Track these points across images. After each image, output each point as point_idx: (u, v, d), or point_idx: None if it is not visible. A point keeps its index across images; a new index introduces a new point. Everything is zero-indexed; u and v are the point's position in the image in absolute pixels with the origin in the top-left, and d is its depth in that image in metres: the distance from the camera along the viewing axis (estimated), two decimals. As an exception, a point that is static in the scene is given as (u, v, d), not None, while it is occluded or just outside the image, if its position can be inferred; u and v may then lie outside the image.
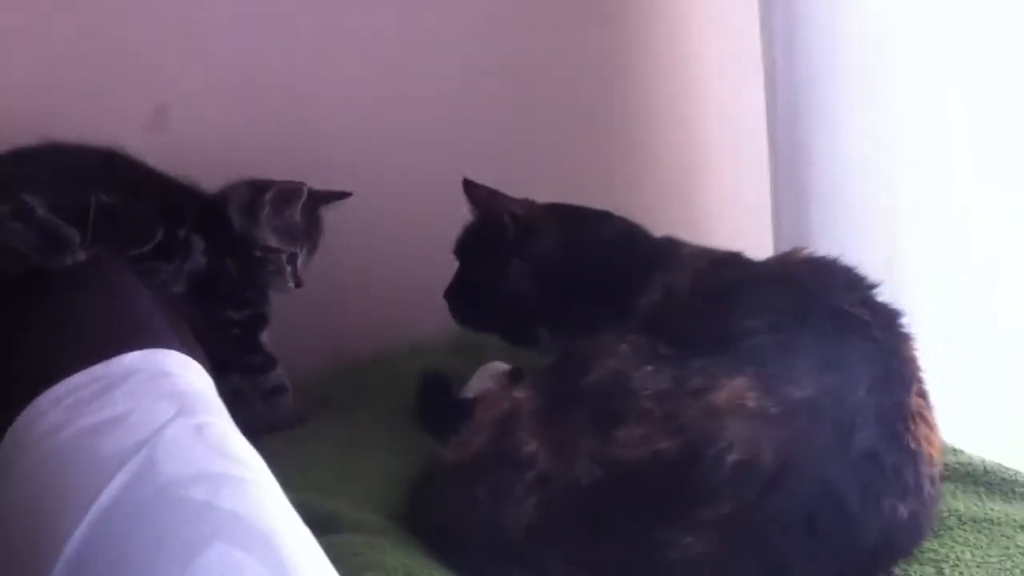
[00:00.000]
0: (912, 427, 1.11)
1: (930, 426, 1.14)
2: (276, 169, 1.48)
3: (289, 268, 1.43)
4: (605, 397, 1.13)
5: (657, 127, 1.91)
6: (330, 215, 1.47)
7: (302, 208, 1.42)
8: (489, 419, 1.18)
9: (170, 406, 0.90)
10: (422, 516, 1.20)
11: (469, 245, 1.46)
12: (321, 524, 1.15)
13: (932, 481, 1.12)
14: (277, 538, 0.76)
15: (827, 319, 1.17)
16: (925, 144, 1.53)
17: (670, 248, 1.38)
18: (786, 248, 1.59)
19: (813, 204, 1.58)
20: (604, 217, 1.45)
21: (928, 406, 1.16)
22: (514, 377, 1.39)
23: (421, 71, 1.68)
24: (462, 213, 1.45)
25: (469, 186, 1.44)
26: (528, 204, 1.45)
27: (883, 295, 1.23)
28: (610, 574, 1.05)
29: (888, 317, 1.21)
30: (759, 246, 1.57)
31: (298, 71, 1.61)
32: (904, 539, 1.10)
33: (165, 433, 0.85)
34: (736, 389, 1.07)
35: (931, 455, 1.13)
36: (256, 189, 1.41)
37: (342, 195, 1.48)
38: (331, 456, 1.37)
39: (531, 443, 1.11)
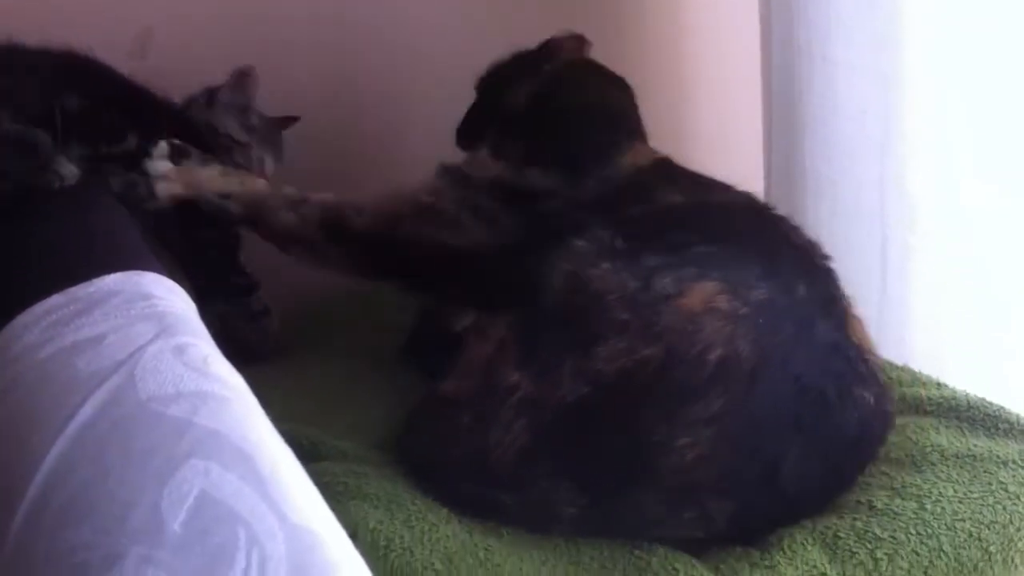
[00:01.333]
0: (849, 320, 1.18)
1: (859, 321, 1.20)
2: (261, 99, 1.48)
3: (256, 169, 1.45)
4: (575, 311, 1.13)
5: (649, 60, 1.88)
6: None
7: (260, 115, 1.47)
8: (476, 358, 1.18)
9: (151, 327, 0.89)
10: (409, 447, 1.20)
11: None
12: (303, 453, 1.12)
13: (880, 369, 1.19)
14: (257, 455, 0.75)
15: (755, 232, 1.24)
16: (921, 84, 1.51)
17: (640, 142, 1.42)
18: (780, 188, 1.61)
19: (807, 137, 1.57)
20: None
21: (849, 302, 1.21)
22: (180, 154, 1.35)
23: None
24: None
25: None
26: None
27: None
28: (608, 488, 1.06)
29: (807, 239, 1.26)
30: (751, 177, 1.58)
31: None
32: (878, 426, 1.15)
33: (145, 352, 0.84)
34: (707, 292, 1.09)
35: (870, 347, 1.19)
36: (213, 89, 1.45)
37: (292, 120, 1.54)
38: (315, 387, 1.37)
39: (513, 375, 1.11)
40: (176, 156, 1.32)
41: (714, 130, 1.94)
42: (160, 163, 1.31)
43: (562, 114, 1.45)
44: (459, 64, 1.56)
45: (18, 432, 0.79)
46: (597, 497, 1.06)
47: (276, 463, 0.76)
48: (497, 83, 1.51)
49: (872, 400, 1.12)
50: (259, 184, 1.38)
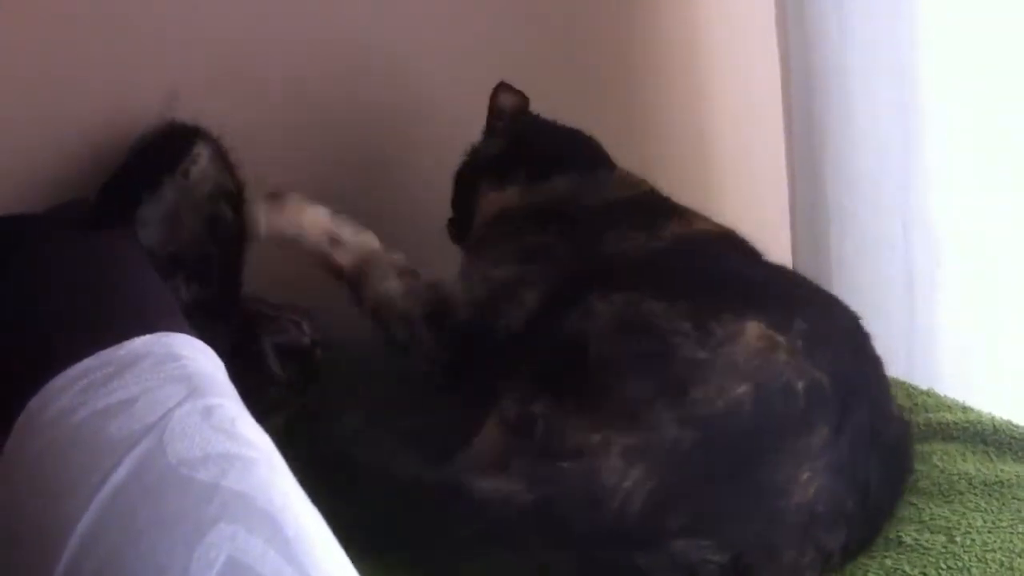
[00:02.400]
0: None
1: None
2: (283, 163, 1.51)
3: None
4: (636, 355, 1.09)
5: (669, 100, 1.90)
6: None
7: None
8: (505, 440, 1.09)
9: (180, 389, 0.91)
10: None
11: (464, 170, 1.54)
12: None
13: None
14: (283, 517, 0.76)
15: (746, 263, 1.27)
16: (939, 114, 1.51)
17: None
18: (804, 223, 1.61)
19: (828, 170, 1.57)
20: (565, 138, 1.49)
21: None
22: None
23: (428, 43, 1.68)
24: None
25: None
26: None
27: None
28: (743, 540, 1.00)
29: (775, 266, 1.31)
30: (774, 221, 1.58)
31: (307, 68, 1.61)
32: (909, 434, 1.18)
33: (174, 415, 0.86)
34: (756, 331, 1.08)
35: None
36: None
37: None
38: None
39: (592, 440, 1.03)
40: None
41: (739, 168, 1.94)
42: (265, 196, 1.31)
43: (544, 132, 1.50)
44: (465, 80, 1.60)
45: (53, 495, 0.82)
46: (735, 551, 0.99)
47: (301, 525, 0.77)
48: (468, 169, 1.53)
49: (897, 410, 1.17)
50: (372, 240, 1.35)
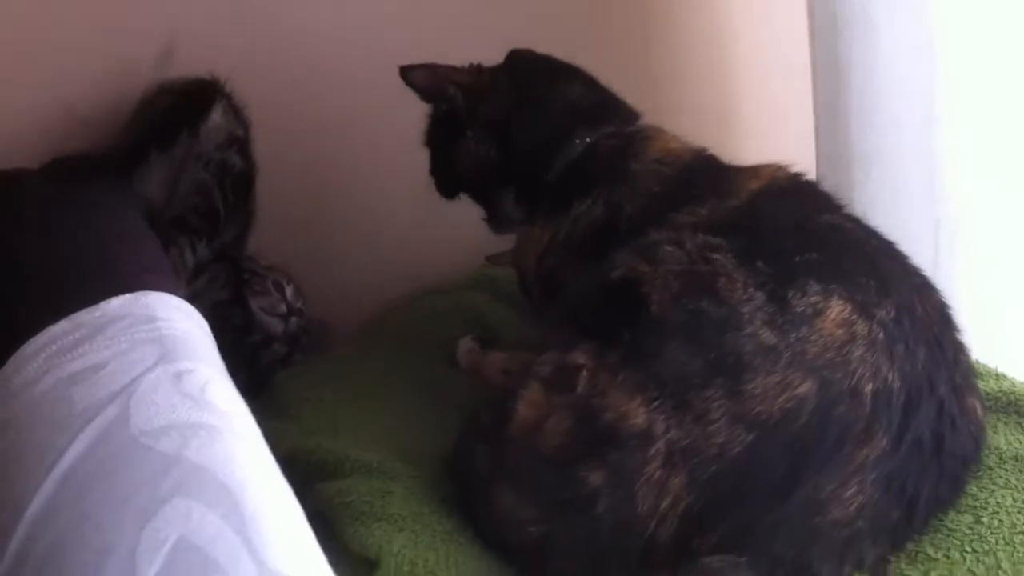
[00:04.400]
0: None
1: None
2: (282, 108, 1.46)
3: None
4: (701, 327, 0.96)
5: (690, 46, 1.82)
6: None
7: None
8: (547, 398, 1.01)
9: (152, 352, 0.86)
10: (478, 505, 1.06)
11: (431, 132, 1.37)
12: (328, 471, 1.14)
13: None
14: (245, 493, 0.72)
15: (829, 234, 1.09)
16: (966, 57, 1.43)
17: (639, 139, 1.26)
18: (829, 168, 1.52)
19: (852, 109, 1.49)
20: (562, 74, 1.33)
21: None
22: (484, 344, 1.38)
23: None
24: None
25: (405, 72, 1.32)
26: (474, 70, 1.34)
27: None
28: (781, 559, 0.92)
29: (862, 223, 1.14)
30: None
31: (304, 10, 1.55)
32: (982, 437, 1.06)
33: (143, 381, 0.82)
34: (840, 312, 0.96)
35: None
36: None
37: None
38: (352, 396, 1.34)
39: (636, 415, 0.94)
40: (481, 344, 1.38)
41: (764, 114, 1.86)
42: (465, 344, 1.39)
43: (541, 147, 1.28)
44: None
45: (9, 473, 0.77)
46: (769, 569, 0.92)
47: (261, 502, 0.72)
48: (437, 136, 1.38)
49: (980, 410, 1.04)
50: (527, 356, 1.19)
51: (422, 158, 1.39)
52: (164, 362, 0.85)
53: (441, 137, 1.36)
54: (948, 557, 0.98)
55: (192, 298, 1.35)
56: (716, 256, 1.01)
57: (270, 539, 0.69)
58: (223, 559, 0.66)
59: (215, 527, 0.68)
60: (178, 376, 0.83)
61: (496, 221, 1.35)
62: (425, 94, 1.35)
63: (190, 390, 0.82)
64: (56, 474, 0.73)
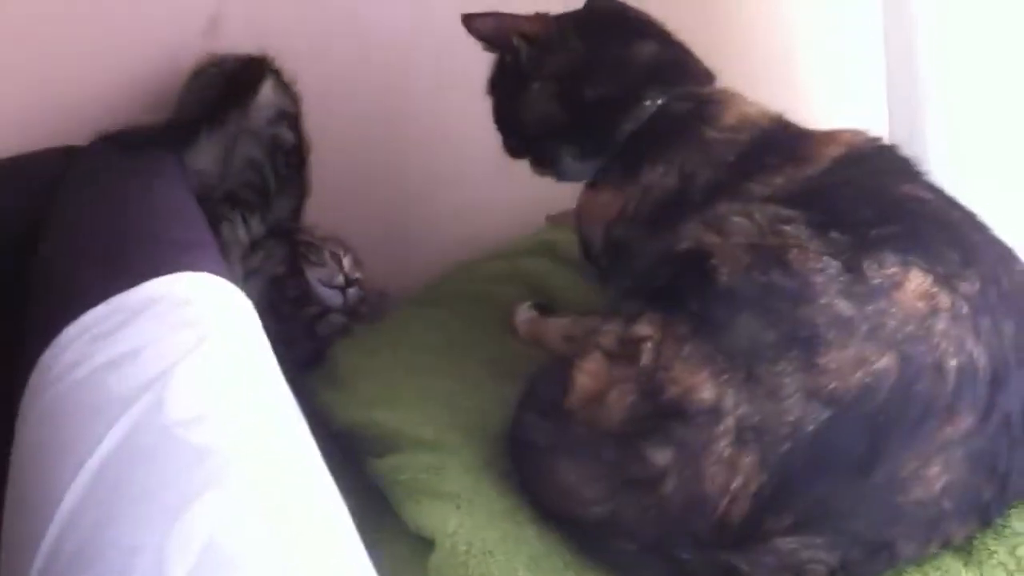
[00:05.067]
0: None
1: None
2: (335, 80, 1.43)
3: None
4: (774, 299, 0.91)
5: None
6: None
7: None
8: (608, 370, 0.98)
9: (190, 337, 0.84)
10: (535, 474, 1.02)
11: (495, 79, 1.32)
12: (383, 446, 1.12)
13: None
14: (279, 481, 0.69)
15: (908, 204, 1.02)
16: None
17: (713, 103, 1.19)
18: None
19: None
20: (635, 30, 1.26)
21: None
22: (542, 311, 1.34)
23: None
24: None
25: (468, 20, 1.27)
26: (541, 19, 1.28)
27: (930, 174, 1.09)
28: (861, 540, 0.88)
29: (942, 192, 1.06)
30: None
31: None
32: None
33: (178, 368, 0.79)
34: (920, 284, 0.91)
35: None
36: None
37: None
38: (409, 366, 1.30)
39: (704, 389, 0.90)
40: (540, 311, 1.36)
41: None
42: (523, 312, 1.36)
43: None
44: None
45: (48, 463, 0.75)
46: (849, 555, 0.88)
47: (299, 487, 0.70)
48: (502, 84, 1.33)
49: None
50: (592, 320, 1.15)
51: (477, 122, 1.34)
52: (201, 348, 0.82)
53: (505, 87, 1.31)
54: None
55: (249, 274, 1.37)
56: (787, 228, 0.96)
57: (305, 538, 0.66)
58: (253, 557, 0.63)
59: (248, 519, 0.65)
60: (214, 361, 0.81)
61: (558, 174, 1.30)
62: (490, 43, 1.30)
63: (225, 376, 0.79)
64: (88, 469, 0.71)
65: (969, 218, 1.03)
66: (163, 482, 0.68)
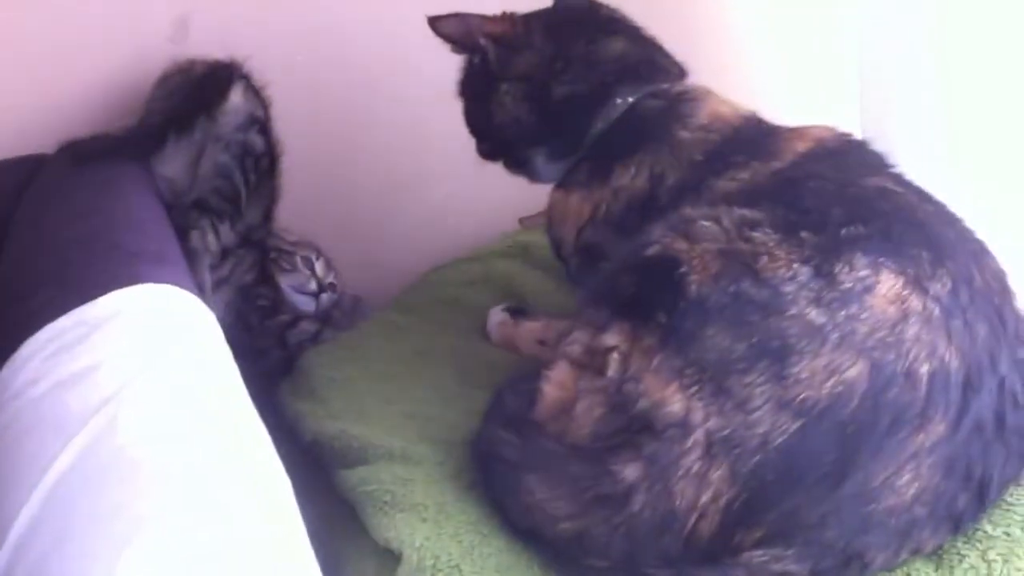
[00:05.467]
0: None
1: None
2: (305, 86, 1.42)
3: None
4: (743, 307, 0.89)
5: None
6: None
7: None
8: (575, 380, 0.96)
9: (148, 352, 0.83)
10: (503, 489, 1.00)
11: (465, 82, 1.30)
12: (352, 457, 1.10)
13: None
14: (232, 504, 0.68)
15: (878, 201, 1.00)
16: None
17: (686, 101, 1.18)
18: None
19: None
20: (604, 27, 1.25)
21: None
22: (515, 314, 1.33)
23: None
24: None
25: (434, 22, 1.25)
26: (508, 19, 1.26)
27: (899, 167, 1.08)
28: (831, 550, 0.87)
29: (913, 186, 1.04)
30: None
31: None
32: None
33: (134, 385, 0.78)
34: (891, 287, 0.89)
35: None
36: None
37: None
38: (380, 375, 1.29)
39: (673, 402, 0.88)
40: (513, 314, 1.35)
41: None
42: (496, 315, 1.35)
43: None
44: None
45: (3, 483, 0.74)
46: (819, 566, 0.87)
47: (250, 509, 0.68)
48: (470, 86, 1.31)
49: None
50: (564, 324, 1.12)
51: (450, 125, 1.33)
52: (157, 363, 0.81)
53: (475, 89, 1.30)
54: (1008, 535, 0.91)
55: (218, 283, 1.35)
56: (755, 233, 0.94)
57: (255, 562, 0.65)
58: None
59: (198, 544, 0.64)
60: (170, 378, 0.80)
61: (532, 176, 1.29)
62: (456, 45, 1.29)
63: (181, 394, 0.78)
64: (44, 487, 0.70)
65: (941, 212, 1.02)
66: (113, 507, 0.67)
